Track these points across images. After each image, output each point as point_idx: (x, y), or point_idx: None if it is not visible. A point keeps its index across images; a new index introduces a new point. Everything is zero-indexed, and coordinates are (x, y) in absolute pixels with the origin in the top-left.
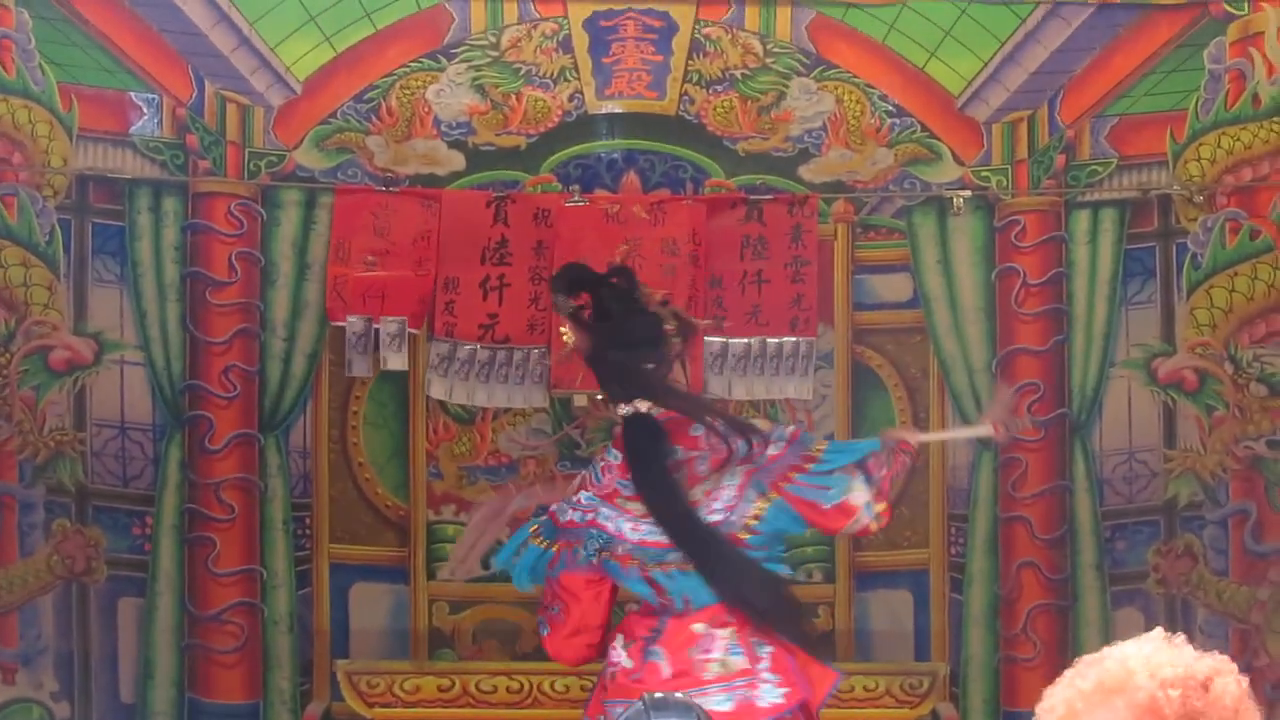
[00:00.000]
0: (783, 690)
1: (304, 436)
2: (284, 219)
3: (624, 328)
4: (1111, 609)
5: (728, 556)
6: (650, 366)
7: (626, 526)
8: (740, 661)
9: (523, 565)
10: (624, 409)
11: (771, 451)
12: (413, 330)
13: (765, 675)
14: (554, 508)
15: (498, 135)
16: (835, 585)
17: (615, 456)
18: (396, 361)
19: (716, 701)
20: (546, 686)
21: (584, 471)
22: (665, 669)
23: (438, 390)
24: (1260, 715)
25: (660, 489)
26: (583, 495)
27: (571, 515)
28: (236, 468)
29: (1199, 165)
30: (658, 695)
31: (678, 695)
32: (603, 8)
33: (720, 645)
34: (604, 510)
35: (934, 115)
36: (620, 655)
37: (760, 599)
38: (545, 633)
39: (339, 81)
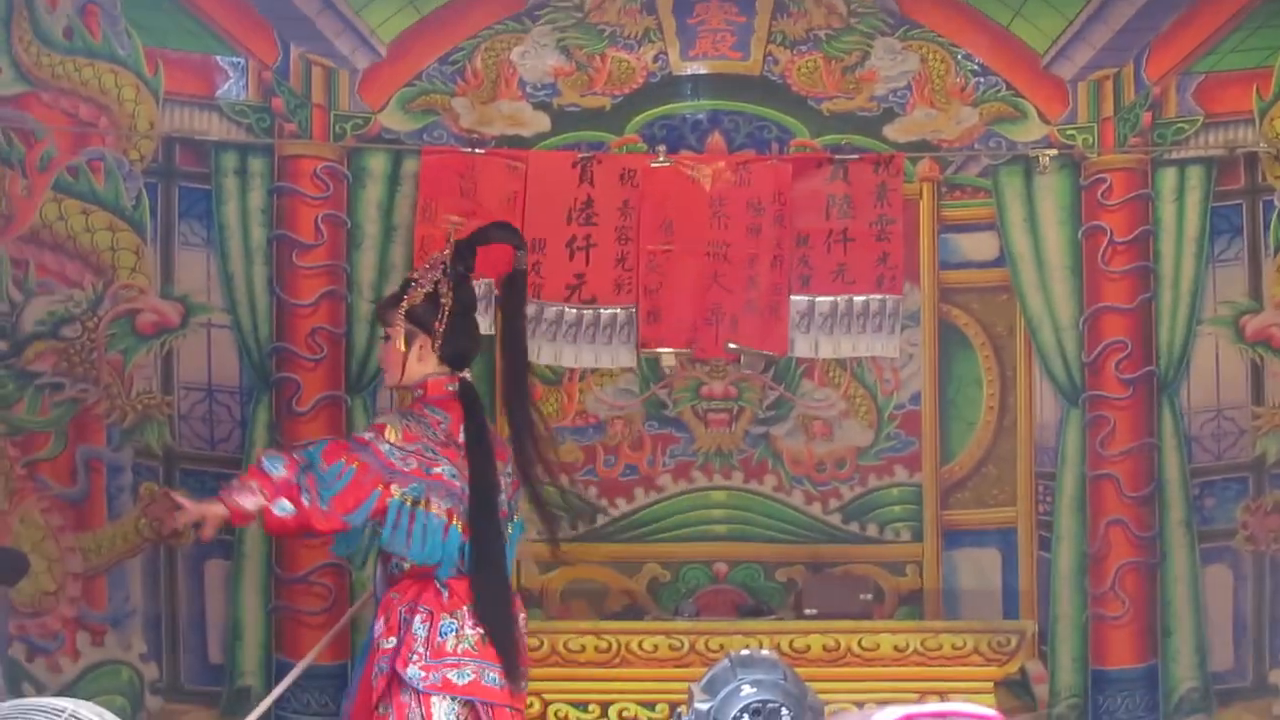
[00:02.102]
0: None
1: (390, 398)
2: (370, 181)
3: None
4: (1200, 566)
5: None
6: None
7: (459, 484)
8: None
9: (435, 544)
10: (467, 374)
11: None
12: (499, 294)
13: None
14: (386, 460)
15: (583, 96)
16: (923, 544)
17: (442, 415)
18: (482, 324)
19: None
20: (635, 646)
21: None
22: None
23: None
24: None
25: (490, 456)
26: (419, 446)
27: (415, 464)
28: (324, 429)
29: None
30: (744, 651)
31: (764, 651)
32: None
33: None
34: (445, 465)
35: (1019, 74)
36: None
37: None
38: (307, 504)
39: (424, 44)
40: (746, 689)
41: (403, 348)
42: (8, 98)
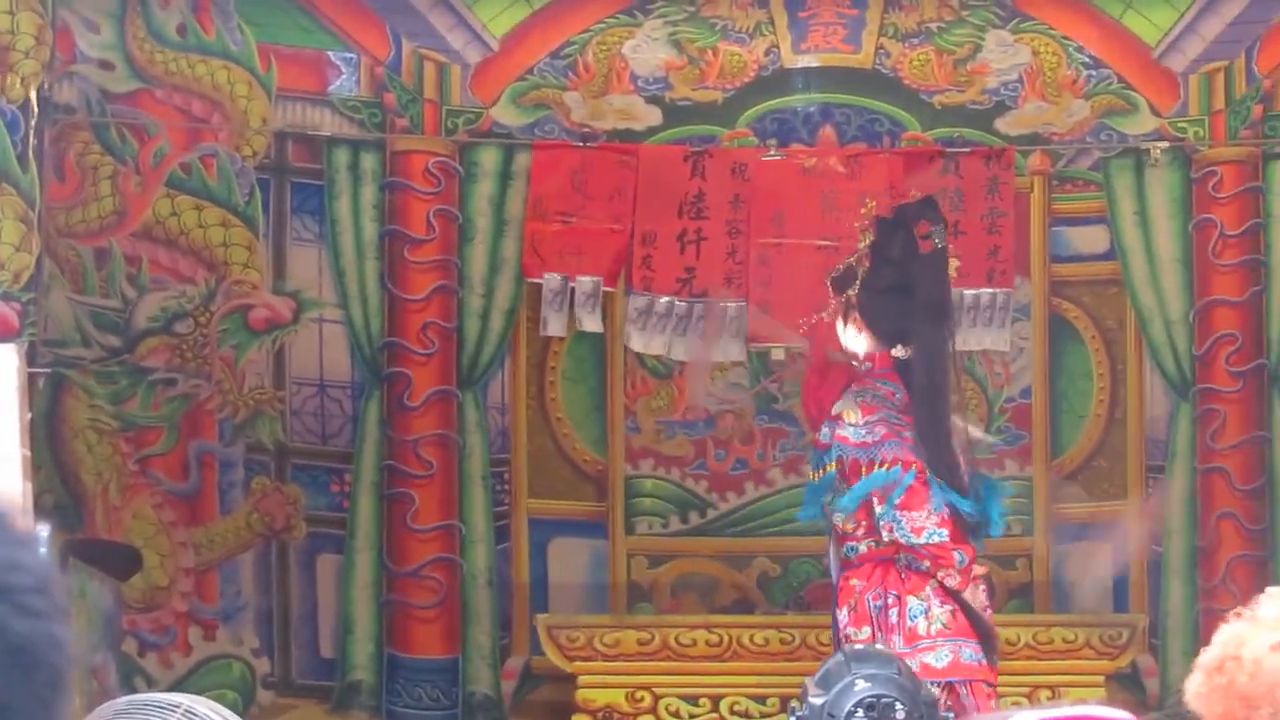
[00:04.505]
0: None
1: (502, 392)
2: (481, 176)
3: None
4: None
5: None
6: None
7: None
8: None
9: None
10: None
11: None
12: (608, 289)
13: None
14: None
15: (694, 90)
16: (1034, 538)
17: (894, 386)
18: (591, 323)
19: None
20: (746, 639)
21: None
22: None
23: (636, 343)
24: None
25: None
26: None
27: (884, 430)
28: (435, 424)
29: None
30: (858, 646)
31: (878, 647)
32: None
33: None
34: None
35: (1131, 67)
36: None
37: None
38: None
39: (536, 38)
40: (861, 684)
41: (830, 316)
42: (121, 95)
